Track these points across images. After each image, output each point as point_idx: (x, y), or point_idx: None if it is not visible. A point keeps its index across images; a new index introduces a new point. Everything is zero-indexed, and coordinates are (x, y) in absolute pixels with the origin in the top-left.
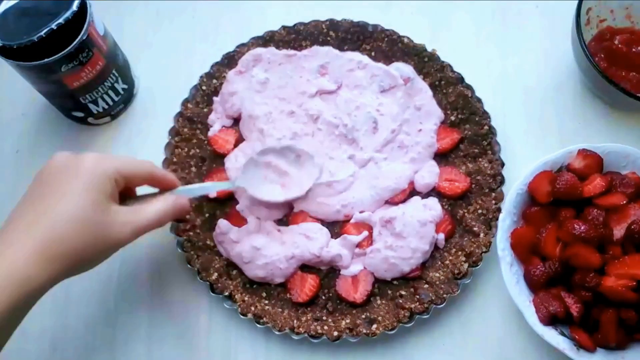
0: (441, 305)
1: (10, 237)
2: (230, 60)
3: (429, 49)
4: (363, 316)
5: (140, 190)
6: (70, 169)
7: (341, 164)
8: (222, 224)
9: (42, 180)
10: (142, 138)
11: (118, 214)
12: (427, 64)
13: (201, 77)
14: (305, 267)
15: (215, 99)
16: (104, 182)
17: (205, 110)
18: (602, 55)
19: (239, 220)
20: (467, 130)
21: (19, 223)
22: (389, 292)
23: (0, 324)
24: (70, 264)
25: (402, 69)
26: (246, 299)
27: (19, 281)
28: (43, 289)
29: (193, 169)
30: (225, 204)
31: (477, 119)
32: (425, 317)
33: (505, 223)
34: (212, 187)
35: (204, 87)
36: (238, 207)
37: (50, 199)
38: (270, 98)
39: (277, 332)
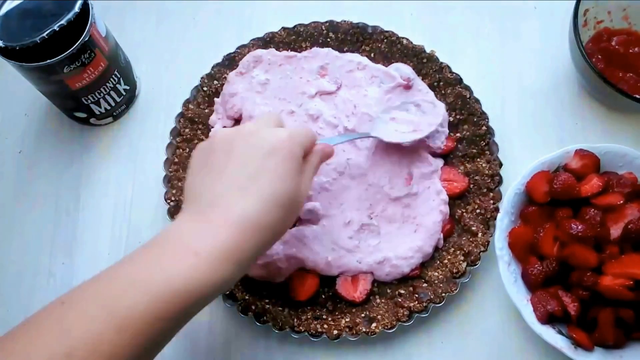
0: (440, 304)
1: (201, 222)
2: (230, 62)
3: (428, 50)
4: (363, 315)
5: None
6: (269, 147)
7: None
8: None
9: (238, 154)
10: (144, 138)
11: (302, 182)
12: (425, 65)
13: (202, 78)
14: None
15: (216, 99)
16: (298, 160)
17: (206, 111)
18: (600, 56)
19: None
20: (466, 131)
21: (213, 202)
22: (389, 291)
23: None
24: (264, 249)
25: (402, 69)
26: (247, 297)
27: (198, 284)
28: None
29: None
30: None
31: (475, 119)
32: (424, 315)
33: (503, 223)
34: (348, 137)
35: (205, 88)
36: None
37: (254, 181)
38: (271, 99)
39: (277, 331)
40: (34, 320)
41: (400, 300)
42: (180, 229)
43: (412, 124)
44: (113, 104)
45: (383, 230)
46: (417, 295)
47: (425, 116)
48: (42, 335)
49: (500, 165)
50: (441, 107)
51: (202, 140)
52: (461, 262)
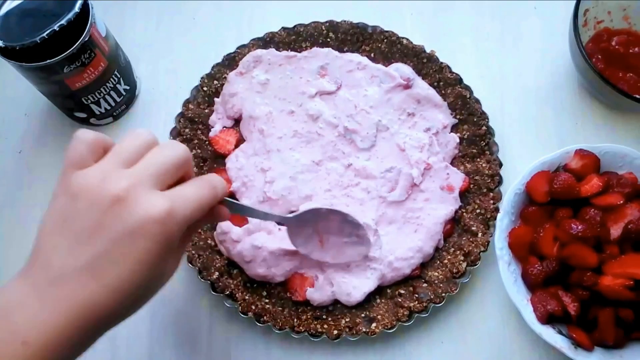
0: (440, 304)
1: (40, 300)
2: (230, 62)
3: (428, 50)
4: (362, 315)
5: None
6: (139, 225)
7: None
8: (223, 223)
9: (104, 232)
10: None
11: (171, 260)
12: (425, 64)
13: (202, 78)
14: None
15: (216, 99)
16: (173, 243)
17: (206, 111)
18: (600, 57)
19: (239, 220)
20: (466, 131)
21: (60, 279)
22: (388, 291)
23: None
24: (106, 328)
25: (402, 69)
26: (247, 297)
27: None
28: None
29: (194, 169)
30: None
31: (475, 119)
32: (424, 315)
33: (503, 223)
34: (262, 216)
35: (205, 88)
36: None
37: (111, 265)
38: (270, 99)
39: (277, 331)
40: None
41: (400, 300)
42: (12, 300)
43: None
44: (113, 104)
45: (382, 232)
46: (417, 295)
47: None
48: None
49: (500, 165)
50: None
51: (202, 140)
52: (461, 262)
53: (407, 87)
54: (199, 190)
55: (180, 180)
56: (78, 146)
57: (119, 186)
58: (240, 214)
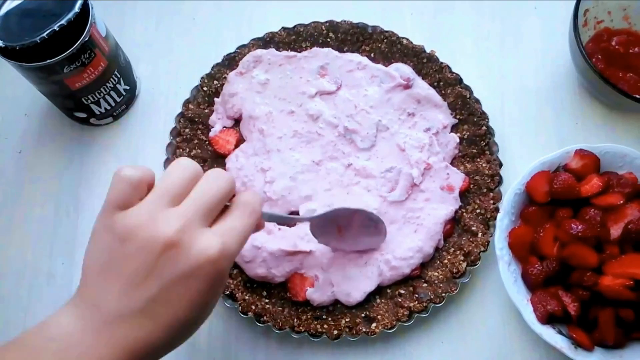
0: (440, 304)
1: (92, 346)
2: (230, 62)
3: (428, 50)
4: (362, 315)
5: None
6: (192, 267)
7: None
8: None
9: (158, 276)
10: (144, 138)
11: (217, 298)
12: (425, 64)
13: (202, 78)
14: None
15: (216, 99)
16: (225, 279)
17: (206, 111)
18: (600, 57)
19: None
20: (466, 131)
21: (111, 323)
22: (388, 291)
23: None
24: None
25: (402, 69)
26: (247, 297)
27: None
28: None
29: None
30: None
31: (475, 119)
32: (424, 315)
33: (503, 223)
34: (290, 218)
35: (205, 88)
36: None
37: (166, 307)
38: (270, 98)
39: (277, 331)
40: None
41: (400, 300)
42: (67, 333)
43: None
44: (113, 104)
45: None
46: (417, 295)
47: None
48: None
49: (501, 165)
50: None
51: (202, 140)
52: (461, 262)
53: (407, 87)
54: (244, 220)
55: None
56: (121, 186)
57: (171, 229)
58: (270, 221)
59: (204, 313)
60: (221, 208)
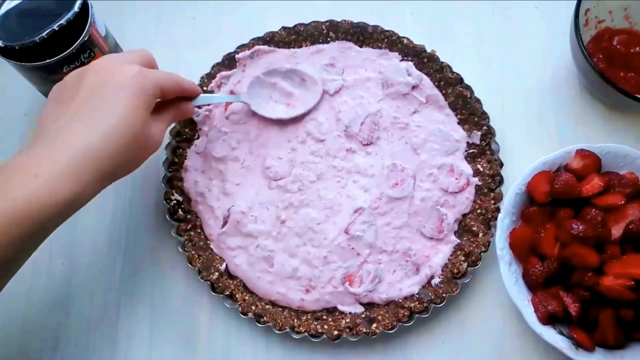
0: (440, 305)
1: (43, 149)
2: (230, 61)
3: (429, 50)
4: (363, 315)
5: None
6: (118, 82)
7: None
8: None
9: (87, 86)
10: None
11: (154, 125)
12: (426, 64)
13: (202, 78)
14: None
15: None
16: (149, 97)
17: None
18: (601, 56)
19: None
20: (467, 131)
21: (56, 133)
22: None
23: (14, 250)
24: (109, 177)
25: (409, 69)
26: (247, 298)
27: (41, 203)
28: (75, 205)
29: None
30: None
31: (476, 119)
32: (424, 316)
33: (504, 223)
34: (221, 99)
35: (204, 88)
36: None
37: (98, 111)
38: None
39: (277, 332)
40: None
41: (400, 300)
42: (22, 158)
43: (290, 97)
44: None
45: (382, 231)
46: (417, 296)
47: (306, 92)
48: None
49: (501, 165)
50: (320, 85)
51: None
52: (462, 262)
53: (412, 86)
54: (168, 73)
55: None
56: None
57: (104, 61)
58: (204, 103)
59: (138, 134)
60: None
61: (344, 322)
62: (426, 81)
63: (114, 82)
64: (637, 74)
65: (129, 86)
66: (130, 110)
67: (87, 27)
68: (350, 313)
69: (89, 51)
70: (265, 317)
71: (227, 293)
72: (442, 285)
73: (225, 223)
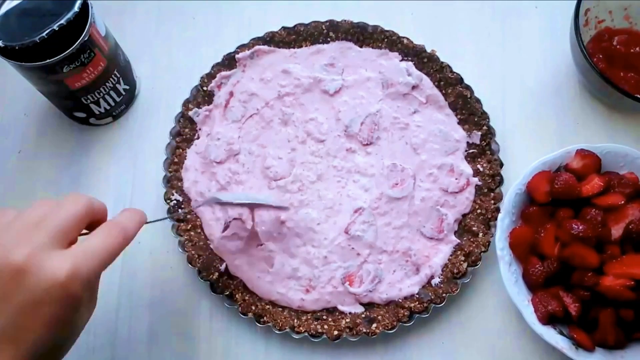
0: (441, 305)
1: None
2: (230, 61)
3: (429, 50)
4: (363, 315)
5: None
6: (51, 296)
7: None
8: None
9: (14, 303)
10: (143, 138)
11: (82, 322)
12: (426, 64)
13: (202, 77)
14: None
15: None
16: (82, 301)
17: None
18: (601, 56)
19: None
20: (466, 131)
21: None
22: None
23: None
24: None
25: (410, 69)
26: (246, 298)
27: None
28: None
29: None
30: None
31: (476, 119)
32: (424, 316)
33: (504, 223)
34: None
35: (204, 88)
36: None
37: (26, 333)
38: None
39: (277, 332)
40: None
41: (400, 300)
42: None
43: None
44: (113, 103)
45: (382, 231)
46: (417, 296)
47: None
48: None
49: (501, 165)
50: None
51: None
52: (462, 262)
53: (413, 86)
54: (106, 239)
55: (91, 227)
56: None
57: (20, 254)
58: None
59: (69, 335)
60: (77, 230)
61: (344, 322)
62: (426, 81)
63: (35, 295)
64: (637, 73)
65: (55, 300)
66: (56, 328)
67: (87, 27)
68: (350, 313)
69: (89, 51)
70: (265, 317)
71: (227, 293)
72: (442, 285)
73: (226, 227)
